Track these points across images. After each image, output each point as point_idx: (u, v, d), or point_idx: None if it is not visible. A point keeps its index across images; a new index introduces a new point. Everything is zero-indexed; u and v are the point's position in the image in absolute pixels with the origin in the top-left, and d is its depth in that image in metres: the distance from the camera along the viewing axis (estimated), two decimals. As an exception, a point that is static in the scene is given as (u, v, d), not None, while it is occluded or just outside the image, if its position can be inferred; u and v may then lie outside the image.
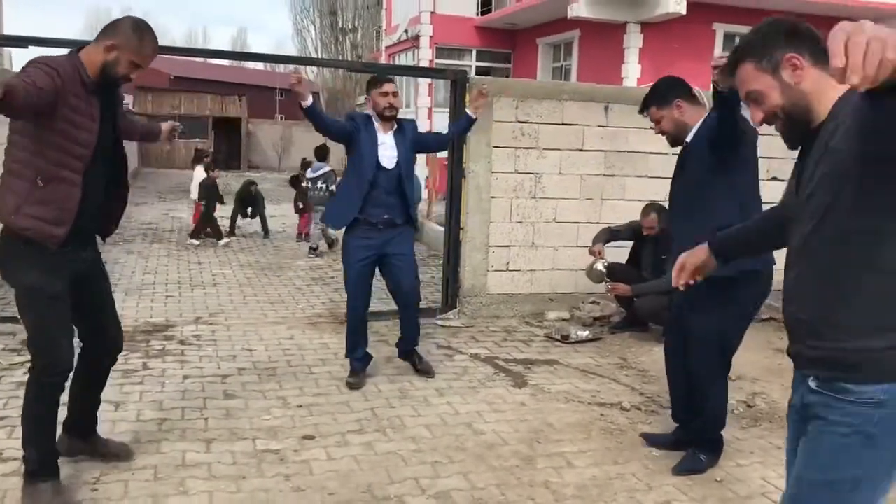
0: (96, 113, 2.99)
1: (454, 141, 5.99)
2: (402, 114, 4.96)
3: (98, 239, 3.39)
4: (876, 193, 1.68)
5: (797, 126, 1.88)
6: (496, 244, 6.69)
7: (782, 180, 7.25)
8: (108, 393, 4.46)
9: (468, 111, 5.10)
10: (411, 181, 4.89)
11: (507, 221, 6.70)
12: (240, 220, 12.12)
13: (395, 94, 4.71)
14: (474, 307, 6.69)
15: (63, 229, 2.95)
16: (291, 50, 48.84)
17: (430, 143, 5.30)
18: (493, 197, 6.62)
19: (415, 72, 14.16)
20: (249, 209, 12.15)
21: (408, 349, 5.15)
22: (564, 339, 6.08)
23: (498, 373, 5.25)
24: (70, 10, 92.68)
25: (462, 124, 5.22)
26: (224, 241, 10.82)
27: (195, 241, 10.63)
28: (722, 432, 3.89)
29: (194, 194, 11.52)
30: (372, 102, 4.73)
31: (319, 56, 42.47)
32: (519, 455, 3.91)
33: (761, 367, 5.57)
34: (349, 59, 34.02)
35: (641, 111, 3.94)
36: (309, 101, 4.44)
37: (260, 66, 59.37)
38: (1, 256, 3.07)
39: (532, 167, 6.60)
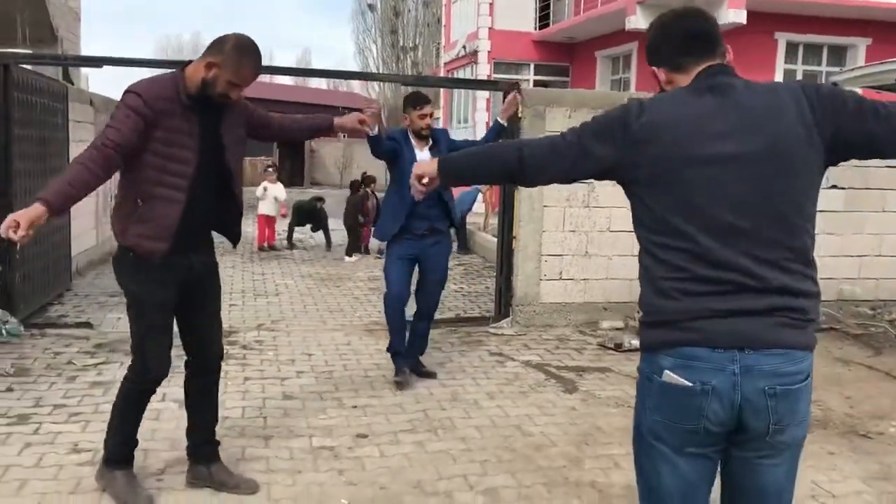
0: (195, 129, 3.04)
1: None
2: (460, 128, 5.13)
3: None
4: None
5: None
6: (549, 253, 6.76)
7: (842, 188, 7.14)
8: (175, 392, 4.70)
9: (498, 119, 5.24)
10: (450, 192, 5.17)
11: (559, 231, 6.76)
12: (302, 233, 12.46)
13: (431, 115, 4.98)
14: (527, 316, 6.77)
15: (163, 245, 3.04)
16: (354, 69, 49.70)
17: (462, 148, 5.46)
18: (545, 206, 6.70)
19: (468, 84, 14.33)
20: (310, 224, 12.47)
21: (413, 356, 5.25)
22: (618, 347, 6.11)
23: (549, 379, 5.32)
24: (142, 35, 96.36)
25: (491, 131, 5.34)
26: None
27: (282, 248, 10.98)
28: None
29: (266, 209, 11.84)
30: (409, 121, 4.95)
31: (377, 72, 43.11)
32: (567, 456, 3.98)
33: (820, 376, 5.49)
34: (409, 76, 34.43)
35: None
36: (375, 131, 4.68)
37: (323, 85, 60.62)
38: (115, 265, 3.23)
39: (584, 176, 6.65)
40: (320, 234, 12.39)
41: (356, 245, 11.36)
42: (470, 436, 4.21)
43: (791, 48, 15.16)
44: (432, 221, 5.00)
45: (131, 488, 3.30)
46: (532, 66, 19.15)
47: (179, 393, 4.61)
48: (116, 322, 6.58)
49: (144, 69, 7.54)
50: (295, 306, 7.64)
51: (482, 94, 18.34)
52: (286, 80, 55.60)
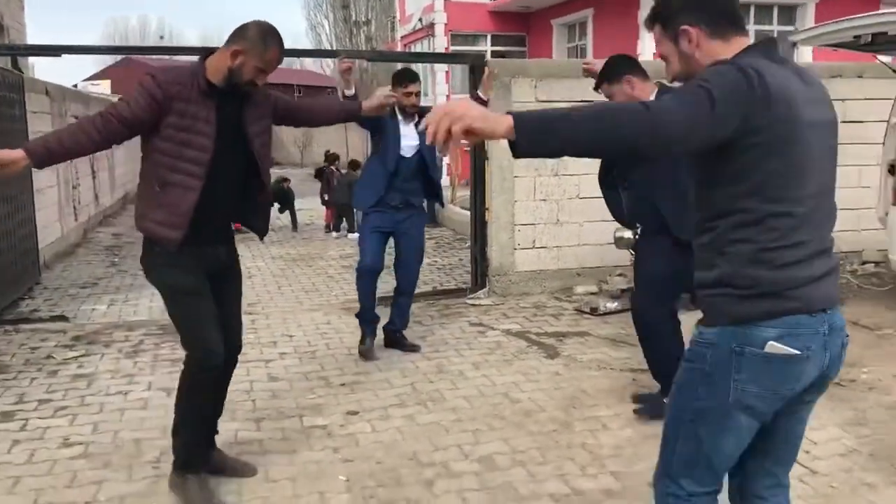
0: (212, 117, 2.99)
1: None
2: (420, 101, 5.12)
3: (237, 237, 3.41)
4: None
5: None
6: (522, 223, 6.83)
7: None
8: (160, 380, 4.72)
9: (479, 93, 5.28)
10: (435, 165, 5.19)
11: (531, 200, 6.83)
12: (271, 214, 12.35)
13: (417, 93, 4.96)
14: (503, 285, 6.84)
15: (178, 232, 2.98)
16: (306, 46, 49.03)
17: None
18: (516, 177, 6.75)
19: (434, 58, 14.30)
20: (277, 205, 12.37)
21: (397, 330, 5.32)
22: (593, 311, 6.21)
23: (531, 346, 5.41)
24: (89, 19, 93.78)
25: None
26: None
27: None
28: None
29: None
30: (395, 99, 4.89)
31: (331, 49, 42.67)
32: (556, 420, 4.06)
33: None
34: (365, 51, 34.11)
35: (596, 88, 4.09)
36: (353, 90, 4.65)
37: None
38: (142, 259, 3.18)
39: (553, 145, 6.71)
40: (286, 214, 12.30)
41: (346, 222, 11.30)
42: (459, 406, 4.28)
43: (743, 8, 15.19)
44: (408, 195, 5.06)
45: (205, 496, 3.21)
46: (489, 37, 19.13)
47: (166, 381, 4.66)
48: (91, 313, 6.53)
49: (107, 56, 7.38)
50: (269, 288, 7.62)
51: (441, 68, 18.28)
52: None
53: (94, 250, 10.14)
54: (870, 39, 4.94)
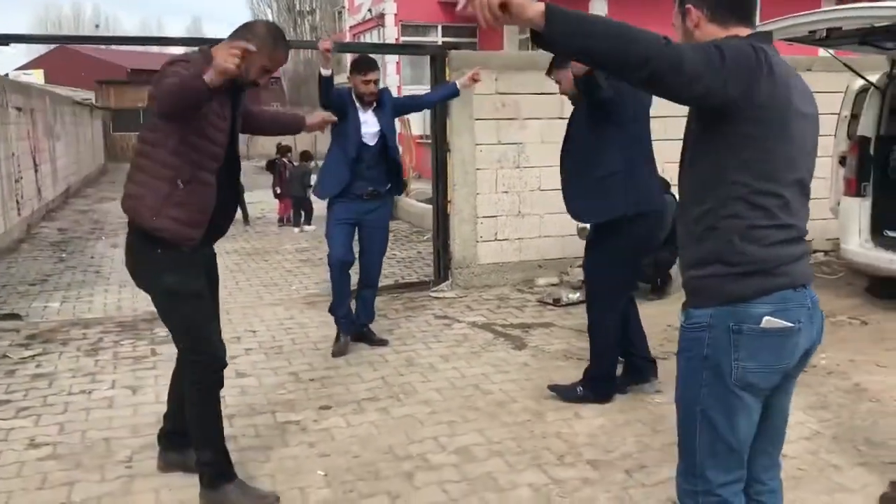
0: (228, 113, 2.96)
1: (436, 111, 6.26)
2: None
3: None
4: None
5: None
6: (484, 215, 6.86)
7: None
8: (124, 378, 4.62)
9: (458, 83, 5.24)
10: (396, 149, 5.20)
11: (493, 192, 6.86)
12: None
13: (376, 81, 4.91)
14: (466, 278, 6.86)
15: (199, 231, 2.93)
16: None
17: (407, 105, 5.51)
18: (478, 169, 6.77)
19: (394, 49, 14.17)
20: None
21: (364, 324, 5.28)
22: (556, 302, 6.28)
23: (497, 338, 5.44)
24: (15, 4, 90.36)
25: (447, 90, 5.38)
26: None
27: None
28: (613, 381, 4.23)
29: None
30: (353, 85, 4.89)
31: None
32: (529, 410, 4.10)
33: None
34: (309, 41, 33.75)
35: (548, 74, 4.18)
36: (329, 71, 4.61)
37: (219, 53, 58.59)
38: (136, 262, 3.01)
39: (515, 137, 6.76)
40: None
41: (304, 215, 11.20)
42: (432, 398, 4.29)
43: (690, 3, 15.59)
44: (374, 184, 4.99)
45: (251, 493, 3.14)
46: (440, 28, 19.09)
47: (130, 380, 4.57)
48: (44, 311, 6.35)
49: (40, 45, 7.15)
50: (227, 283, 7.47)
51: (392, 59, 18.19)
52: (179, 50, 53.70)
53: (40, 246, 9.84)
54: (825, 34, 5.09)
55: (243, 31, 2.92)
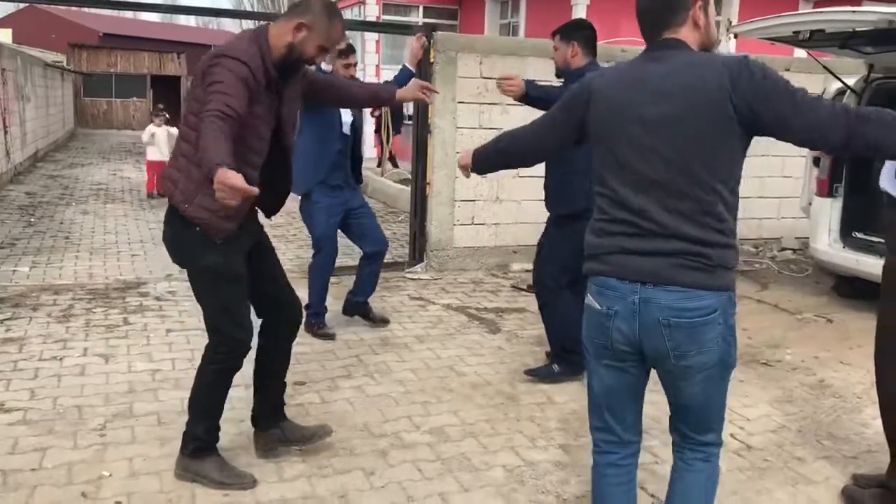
0: (276, 103, 2.88)
1: None
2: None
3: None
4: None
5: None
6: (462, 199, 6.88)
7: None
8: (96, 346, 4.58)
9: (406, 64, 5.09)
10: (361, 141, 5.15)
11: (472, 177, 6.85)
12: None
13: (355, 64, 4.87)
14: (441, 260, 6.89)
15: (233, 224, 2.84)
16: (227, 6, 47.59)
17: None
18: (458, 152, 6.76)
19: (380, 28, 14.02)
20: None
21: (363, 301, 5.23)
22: (530, 288, 6.30)
23: (472, 321, 5.48)
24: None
25: (402, 76, 5.22)
26: None
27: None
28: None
29: (154, 154, 11.11)
30: (333, 69, 4.80)
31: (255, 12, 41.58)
32: (503, 394, 4.15)
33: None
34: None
35: (552, 35, 4.29)
36: (330, 67, 4.58)
37: (193, 23, 57.78)
38: (175, 239, 2.96)
39: (496, 122, 6.77)
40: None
41: None
42: (407, 378, 4.31)
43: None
44: (346, 174, 4.93)
45: (229, 470, 3.12)
46: (421, 9, 18.98)
47: (102, 348, 4.54)
48: (13, 275, 6.25)
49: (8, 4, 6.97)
50: (200, 255, 7.43)
51: (371, 37, 18.05)
52: (153, 16, 52.75)
53: (8, 210, 9.67)
54: (808, 36, 5.16)
55: (300, 7, 2.83)
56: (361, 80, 5.07)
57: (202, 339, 4.74)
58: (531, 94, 4.17)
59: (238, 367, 3.09)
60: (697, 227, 2.04)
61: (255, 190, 2.43)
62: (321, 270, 4.99)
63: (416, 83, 3.64)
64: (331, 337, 4.93)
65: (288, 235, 8.65)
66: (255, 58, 2.74)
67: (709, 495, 2.34)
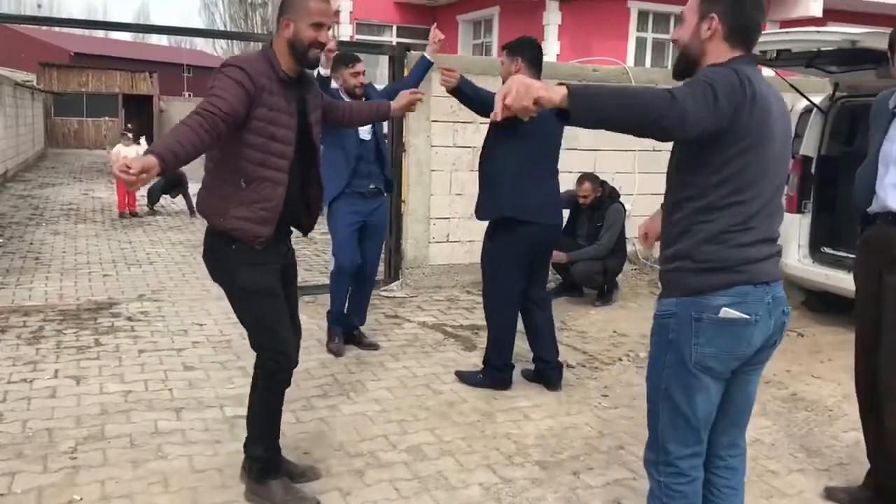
0: (294, 108, 2.92)
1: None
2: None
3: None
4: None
5: (679, 64, 2.29)
6: (437, 216, 6.89)
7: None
8: (67, 368, 4.53)
9: (426, 55, 5.19)
10: (385, 144, 5.17)
11: (447, 194, 6.90)
12: (163, 199, 11.98)
13: (363, 73, 4.86)
14: (417, 278, 6.89)
15: (268, 228, 2.88)
16: (199, 25, 47.49)
17: (392, 93, 5.42)
18: (433, 170, 6.80)
19: (354, 47, 14.05)
20: (169, 191, 11.96)
21: (354, 326, 5.22)
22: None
23: (447, 338, 5.48)
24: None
25: (422, 65, 5.27)
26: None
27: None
28: (512, 373, 4.52)
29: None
30: (342, 80, 4.80)
31: (228, 30, 41.54)
32: (479, 411, 4.15)
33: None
34: (260, 34, 33.38)
35: (501, 49, 4.41)
36: (328, 71, 4.59)
37: (165, 42, 57.61)
38: (211, 258, 2.99)
39: (470, 141, 6.80)
40: (179, 198, 11.94)
41: None
42: (383, 397, 4.30)
43: (642, 16, 15.90)
44: (373, 180, 4.94)
45: (294, 493, 3.10)
46: (394, 28, 19.06)
47: (73, 369, 4.48)
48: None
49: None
50: (173, 275, 7.38)
51: (345, 56, 18.07)
52: (125, 35, 52.48)
53: (-24, 230, 9.52)
54: (775, 55, 5.26)
55: (279, 10, 2.90)
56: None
57: (175, 360, 4.77)
58: (463, 89, 4.25)
59: (286, 382, 3.09)
60: (778, 229, 2.26)
61: (155, 166, 2.33)
62: (339, 282, 4.99)
63: (404, 93, 3.68)
64: (334, 353, 4.94)
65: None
66: (259, 64, 2.81)
67: None
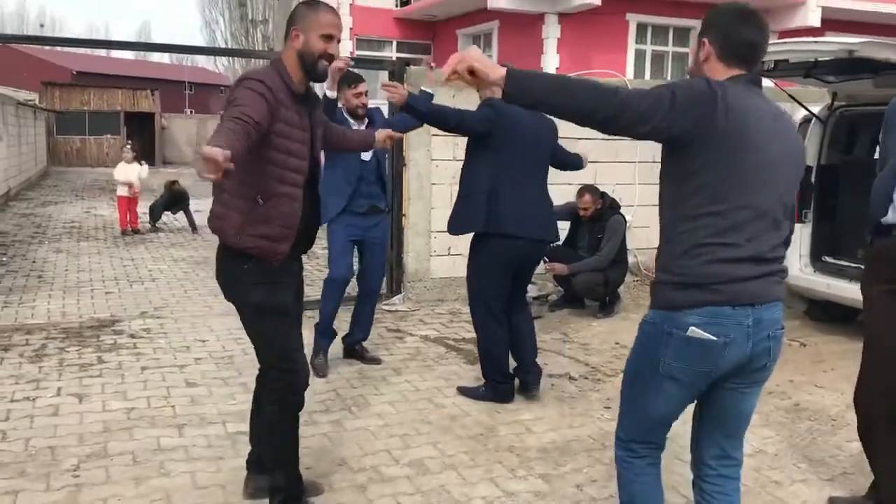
0: (307, 122, 2.91)
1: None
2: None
3: None
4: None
5: None
6: (438, 229, 6.89)
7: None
8: (70, 385, 4.53)
9: (425, 88, 5.17)
10: (385, 166, 5.20)
11: (448, 207, 6.82)
12: (165, 216, 12.02)
13: (366, 93, 4.88)
14: (418, 291, 6.89)
15: (286, 245, 2.87)
16: (200, 43, 47.78)
17: (396, 126, 5.43)
18: (433, 184, 6.83)
19: (356, 63, 14.12)
20: (171, 207, 11.99)
21: (358, 341, 5.23)
22: (507, 318, 6.34)
23: (449, 351, 5.48)
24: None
25: (424, 99, 5.25)
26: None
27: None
28: (507, 385, 4.49)
29: (126, 191, 11.16)
30: (344, 100, 4.80)
31: (229, 48, 41.76)
32: (482, 425, 4.14)
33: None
34: (261, 51, 33.52)
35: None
36: (335, 93, 4.57)
37: (167, 59, 57.93)
38: (224, 276, 2.96)
39: (470, 154, 6.82)
40: (181, 215, 11.98)
41: None
42: (385, 411, 4.30)
43: (641, 29, 15.98)
44: (373, 200, 4.97)
45: None
46: (394, 44, 19.17)
47: (76, 387, 4.48)
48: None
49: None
50: (175, 292, 7.39)
51: (345, 71, 18.16)
52: (126, 54, 52.74)
53: (-21, 249, 9.55)
54: (773, 66, 5.28)
55: (287, 22, 2.89)
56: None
57: (177, 376, 4.77)
58: (412, 105, 4.13)
59: (299, 403, 3.04)
60: (782, 251, 2.25)
61: (229, 162, 2.19)
62: (330, 291, 4.98)
63: (381, 132, 3.73)
64: (318, 371, 4.89)
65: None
66: (273, 76, 2.79)
67: None
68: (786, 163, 2.21)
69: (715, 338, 2.14)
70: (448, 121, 4.22)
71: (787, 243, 2.29)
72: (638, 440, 2.42)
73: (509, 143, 4.21)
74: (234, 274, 2.92)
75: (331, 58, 2.92)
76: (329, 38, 2.87)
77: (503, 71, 2.07)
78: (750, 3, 2.29)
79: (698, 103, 2.06)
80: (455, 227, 4.47)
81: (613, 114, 2.04)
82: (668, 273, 2.21)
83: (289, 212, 2.85)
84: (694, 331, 2.15)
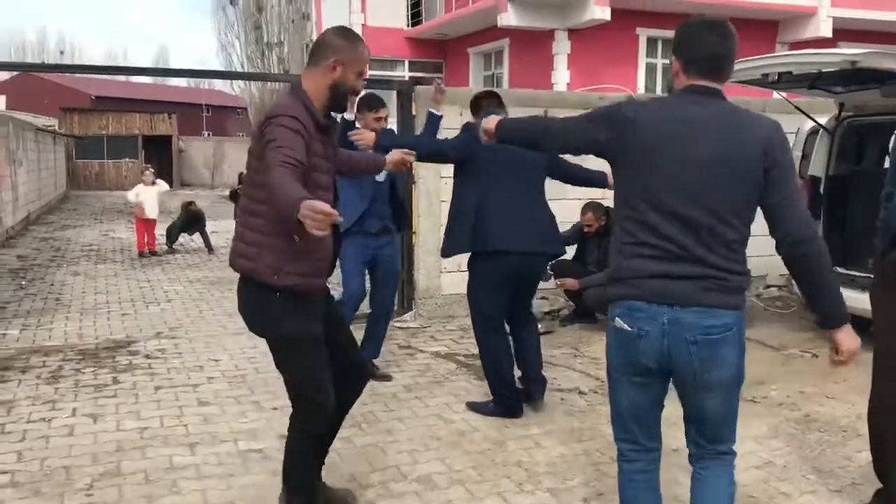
0: (329, 153, 2.91)
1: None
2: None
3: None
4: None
5: None
6: (448, 247, 6.94)
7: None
8: (85, 406, 4.60)
9: (433, 111, 5.23)
10: (401, 186, 5.29)
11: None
12: (182, 237, 12.16)
13: (387, 118, 4.96)
14: (429, 308, 6.94)
15: (323, 280, 2.89)
16: (217, 67, 48.28)
17: (407, 145, 5.48)
18: (442, 201, 6.86)
19: (368, 83, 14.27)
20: (187, 229, 12.13)
21: (368, 359, 5.23)
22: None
23: (460, 368, 5.51)
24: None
25: (433, 123, 5.26)
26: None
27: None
28: (514, 400, 4.51)
29: (154, 212, 11.39)
30: (364, 122, 4.84)
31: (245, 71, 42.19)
32: (490, 440, 4.17)
33: None
34: (277, 74, 33.87)
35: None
36: (353, 116, 4.74)
37: (184, 83, 58.62)
38: (252, 309, 2.93)
39: (479, 171, 6.87)
40: (197, 236, 12.11)
41: None
42: (394, 428, 4.33)
43: (651, 43, 16.05)
44: (385, 220, 5.04)
45: None
46: (406, 63, 19.35)
47: (91, 408, 4.55)
48: (2, 339, 6.27)
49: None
50: (190, 312, 7.48)
51: (358, 91, 18.32)
52: (144, 79, 53.47)
53: (-1, 273, 9.71)
54: (776, 78, 5.31)
55: (322, 48, 2.84)
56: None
57: (191, 395, 4.83)
58: (380, 143, 4.16)
59: (320, 432, 3.09)
60: (717, 256, 2.29)
61: (337, 215, 2.34)
62: (345, 307, 4.96)
63: (396, 152, 3.67)
64: None
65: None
66: (301, 110, 2.76)
67: (732, 497, 2.53)
68: (721, 166, 2.28)
69: (630, 329, 2.36)
70: (420, 150, 4.16)
71: (734, 250, 2.31)
72: (620, 437, 2.59)
73: (493, 160, 4.24)
74: (263, 306, 2.88)
75: (357, 93, 2.99)
76: (361, 74, 2.88)
77: (496, 122, 2.80)
78: (722, 15, 2.44)
79: (605, 119, 2.41)
80: (446, 249, 4.54)
81: (544, 138, 2.68)
82: (611, 271, 2.47)
83: (323, 245, 2.84)
84: (617, 321, 2.40)
